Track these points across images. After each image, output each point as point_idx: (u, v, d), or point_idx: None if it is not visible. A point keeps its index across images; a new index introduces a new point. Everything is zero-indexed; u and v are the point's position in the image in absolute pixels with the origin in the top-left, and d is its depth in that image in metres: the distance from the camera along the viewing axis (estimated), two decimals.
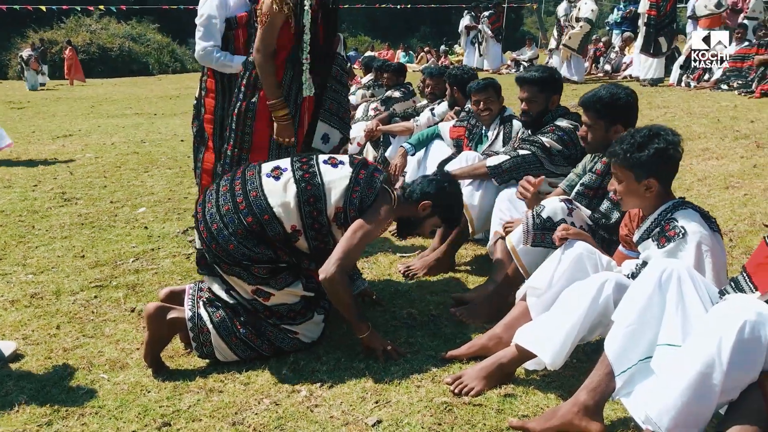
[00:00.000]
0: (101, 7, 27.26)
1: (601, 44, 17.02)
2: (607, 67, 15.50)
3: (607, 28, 18.70)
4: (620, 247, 2.84)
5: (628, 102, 3.09)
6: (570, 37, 13.09)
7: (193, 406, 2.52)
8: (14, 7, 22.78)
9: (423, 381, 2.64)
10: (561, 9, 14.68)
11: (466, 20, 18.66)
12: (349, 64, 4.10)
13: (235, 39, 3.97)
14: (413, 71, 15.20)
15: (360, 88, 8.65)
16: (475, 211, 3.80)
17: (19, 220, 5.18)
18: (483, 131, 4.47)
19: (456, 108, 5.33)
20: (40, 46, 22.79)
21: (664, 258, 2.37)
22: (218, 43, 3.92)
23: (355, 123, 7.52)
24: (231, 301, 2.84)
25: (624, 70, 14.35)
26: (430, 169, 4.71)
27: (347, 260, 2.74)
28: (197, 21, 3.94)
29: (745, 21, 11.94)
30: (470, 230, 3.78)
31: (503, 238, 3.37)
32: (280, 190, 2.77)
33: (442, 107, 5.70)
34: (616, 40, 16.01)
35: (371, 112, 7.16)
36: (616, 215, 2.97)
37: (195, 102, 4.27)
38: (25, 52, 20.80)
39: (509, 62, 18.40)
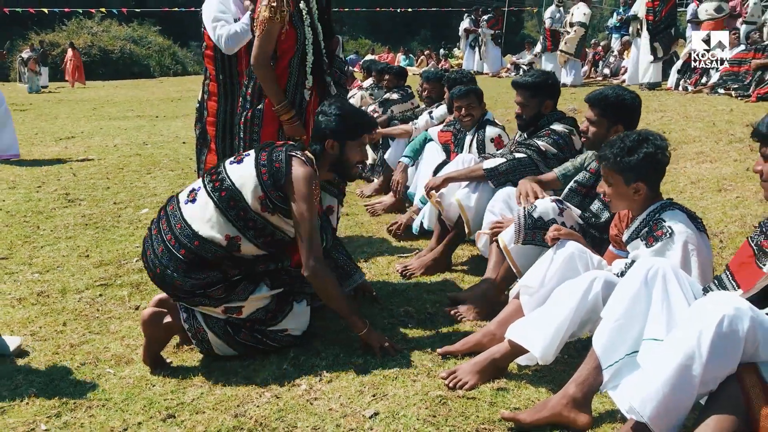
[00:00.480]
0: (102, 9, 27.39)
1: (600, 48, 17.13)
2: (606, 71, 15.60)
3: (607, 32, 18.82)
4: (610, 247, 2.93)
5: (633, 105, 3.18)
6: (566, 42, 13.19)
7: (196, 399, 2.61)
8: (16, 9, 22.87)
9: (419, 376, 2.73)
10: (548, 13, 14.74)
11: (465, 23, 18.78)
12: (348, 67, 4.17)
13: None
14: (413, 74, 15.31)
15: (360, 90, 8.73)
16: (471, 213, 3.88)
17: (24, 220, 5.27)
18: (465, 136, 4.58)
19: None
20: (39, 48, 22.91)
21: (652, 257, 2.46)
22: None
23: None
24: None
25: (623, 74, 14.44)
26: (425, 171, 4.80)
27: (313, 246, 2.80)
28: (210, 22, 4.01)
29: (743, 25, 12.03)
30: (466, 231, 3.87)
31: (493, 239, 3.45)
32: (200, 211, 2.82)
33: (440, 110, 5.79)
34: (615, 44, 16.10)
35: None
36: (606, 215, 3.06)
37: (197, 105, 4.36)
38: (25, 53, 20.94)
39: (509, 66, 18.50)
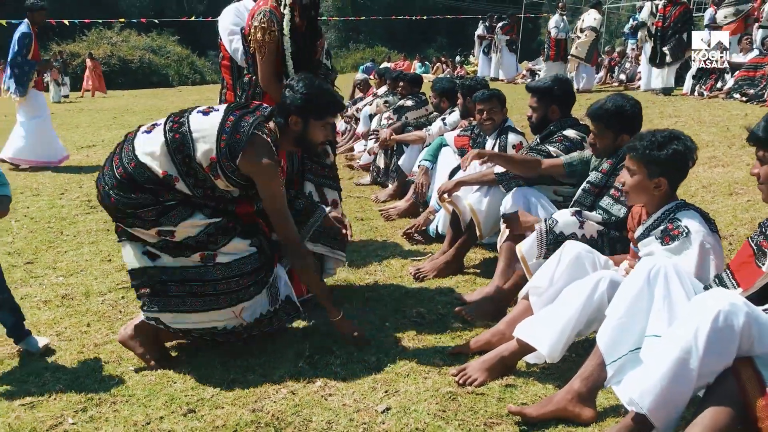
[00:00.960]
0: (122, 20, 27.78)
1: (616, 54, 17.14)
2: (622, 77, 15.60)
3: (623, 38, 18.82)
4: (632, 246, 2.98)
5: (633, 113, 3.24)
6: (577, 47, 13.24)
7: (215, 395, 2.71)
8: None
9: (430, 373, 2.82)
10: (552, 22, 14.77)
11: (479, 30, 18.86)
12: (335, 75, 4.22)
13: None
14: (428, 81, 15.40)
15: (375, 97, 8.84)
16: (482, 216, 3.97)
17: (48, 226, 5.42)
18: (485, 140, 4.65)
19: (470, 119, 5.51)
20: (60, 59, 23.28)
21: (666, 256, 2.53)
22: None
23: (371, 134, 7.73)
24: (150, 264, 2.92)
25: (638, 79, 14.44)
26: (440, 175, 4.89)
27: (286, 229, 2.92)
28: (226, 35, 4.03)
29: (759, 30, 12.02)
30: (478, 234, 3.95)
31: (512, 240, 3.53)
32: (149, 143, 2.82)
33: (453, 116, 5.88)
34: (634, 49, 16.10)
35: (384, 121, 7.35)
36: (616, 208, 3.10)
37: None
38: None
39: (524, 72, 18.54)
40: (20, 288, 3.97)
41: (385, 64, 20.62)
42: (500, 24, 17.41)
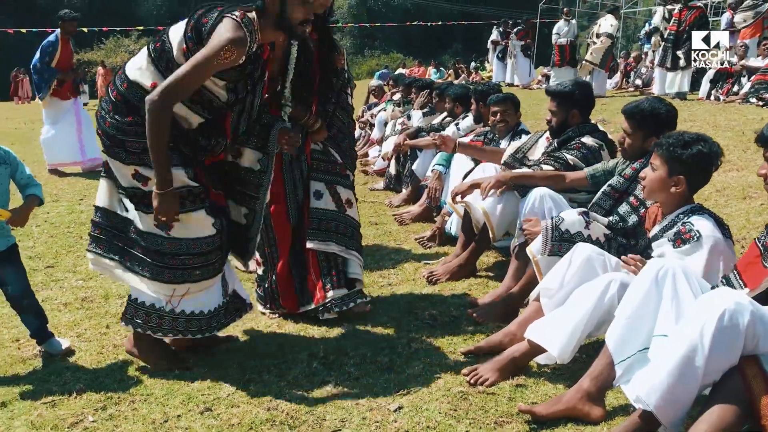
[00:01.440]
0: (139, 27, 28.08)
1: (632, 59, 17.10)
2: (638, 82, 15.56)
3: (639, 42, 18.77)
4: None
5: (668, 117, 3.24)
6: (592, 53, 13.25)
7: (231, 394, 2.77)
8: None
9: (442, 373, 2.87)
10: (555, 28, 14.78)
11: (493, 35, 18.89)
12: (353, 85, 4.19)
13: None
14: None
15: (390, 103, 8.90)
16: (496, 220, 3.99)
17: (67, 231, 5.53)
18: (499, 144, 4.69)
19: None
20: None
21: (677, 257, 2.57)
22: None
23: (386, 139, 7.80)
24: (117, 211, 2.93)
25: (654, 84, 14.41)
26: (454, 180, 4.93)
27: (174, 86, 2.61)
28: None
29: None
30: (491, 237, 3.98)
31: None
32: (136, 60, 2.84)
33: (467, 121, 5.93)
34: (650, 54, 16.06)
35: (398, 127, 7.41)
36: (633, 218, 3.13)
37: None
38: None
39: (540, 77, 18.53)
40: (41, 291, 4.06)
41: (399, 70, 20.71)
42: (515, 29, 17.42)
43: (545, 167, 3.82)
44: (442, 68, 24.36)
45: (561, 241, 3.12)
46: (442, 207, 5.25)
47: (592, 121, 4.03)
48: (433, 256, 4.62)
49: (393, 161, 6.87)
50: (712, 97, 11.34)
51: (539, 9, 25.10)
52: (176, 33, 2.76)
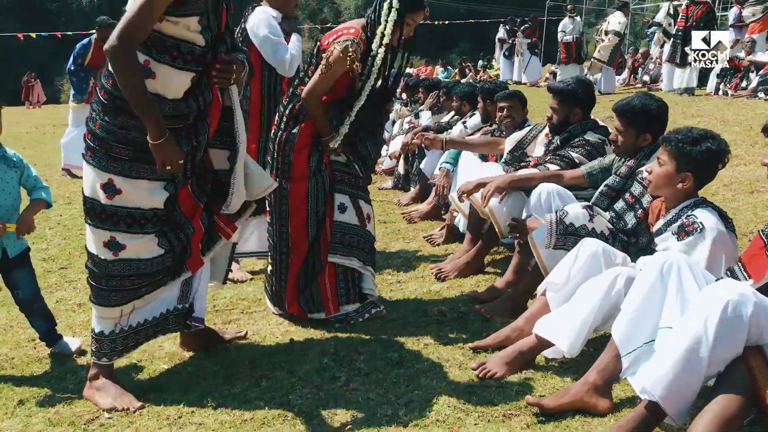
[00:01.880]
0: None
1: (639, 55, 17.07)
2: (646, 78, 15.54)
3: (647, 38, 18.71)
4: None
5: (659, 112, 3.26)
6: (600, 50, 13.25)
7: (244, 390, 2.81)
8: (67, 33, 23.75)
9: (451, 368, 2.91)
10: (561, 26, 14.78)
11: (500, 33, 18.89)
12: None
13: None
14: None
15: (397, 101, 8.93)
16: (502, 217, 4.03)
17: (80, 233, 5.58)
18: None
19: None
20: None
21: (682, 250, 2.60)
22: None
23: (393, 138, 7.84)
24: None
25: (662, 80, 14.38)
26: (461, 178, 4.96)
27: (129, 26, 2.42)
28: (265, 44, 3.96)
29: None
30: (498, 233, 4.02)
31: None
32: None
33: (474, 120, 5.96)
34: (655, 51, 16.03)
35: (406, 126, 7.45)
36: (630, 216, 3.16)
37: None
38: None
39: (547, 75, 18.51)
40: (56, 292, 4.13)
41: (407, 70, 20.65)
42: (522, 27, 17.43)
43: (551, 166, 3.85)
44: (449, 67, 24.34)
45: (566, 235, 3.16)
46: (450, 204, 5.29)
47: (593, 118, 4.05)
48: (442, 254, 4.66)
49: (401, 160, 6.91)
50: (720, 93, 11.33)
51: (546, 6, 25.06)
52: None
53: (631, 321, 2.37)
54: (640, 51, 17.33)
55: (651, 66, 15.81)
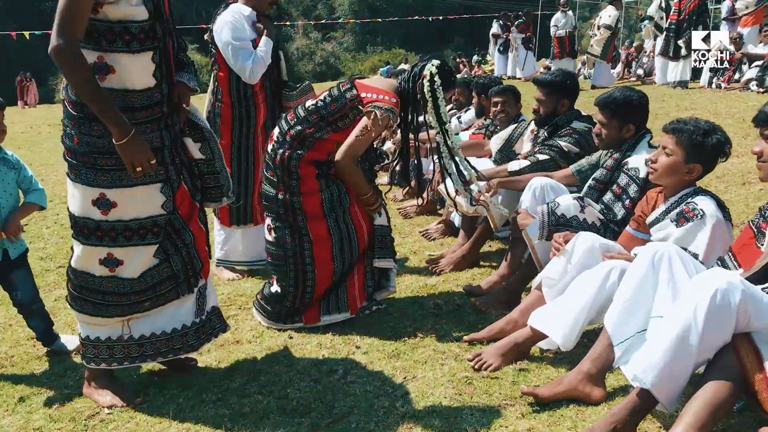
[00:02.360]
0: None
1: (633, 49, 17.10)
2: (640, 72, 15.56)
3: (641, 32, 18.72)
4: (628, 227, 3.06)
5: (640, 104, 3.33)
6: (593, 44, 13.30)
7: (243, 385, 2.85)
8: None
9: (447, 360, 2.94)
10: (553, 20, 14.81)
11: (494, 28, 18.91)
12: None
13: None
14: None
15: None
16: (497, 212, 4.07)
17: None
18: None
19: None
20: None
21: (681, 236, 2.65)
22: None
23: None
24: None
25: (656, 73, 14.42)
26: None
27: (64, 18, 2.31)
28: (227, 49, 3.87)
29: None
30: (492, 227, 4.05)
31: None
32: None
33: (468, 115, 6.00)
34: (648, 44, 16.07)
35: None
36: (618, 207, 3.20)
37: None
38: None
39: (542, 69, 18.51)
40: (54, 290, 4.15)
41: (402, 66, 20.72)
42: (516, 22, 17.44)
43: (540, 156, 3.91)
44: None
45: (558, 226, 3.21)
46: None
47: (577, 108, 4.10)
48: (437, 248, 4.69)
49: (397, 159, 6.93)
50: (713, 85, 11.37)
51: (540, 1, 25.06)
52: None
53: (623, 311, 2.41)
54: (635, 44, 17.34)
55: (645, 59, 15.83)
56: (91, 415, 2.68)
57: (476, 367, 2.82)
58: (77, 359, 3.19)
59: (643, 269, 2.40)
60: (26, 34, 20.67)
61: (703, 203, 2.67)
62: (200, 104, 3.37)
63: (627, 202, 3.18)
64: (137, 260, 2.62)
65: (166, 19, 2.54)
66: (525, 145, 4.39)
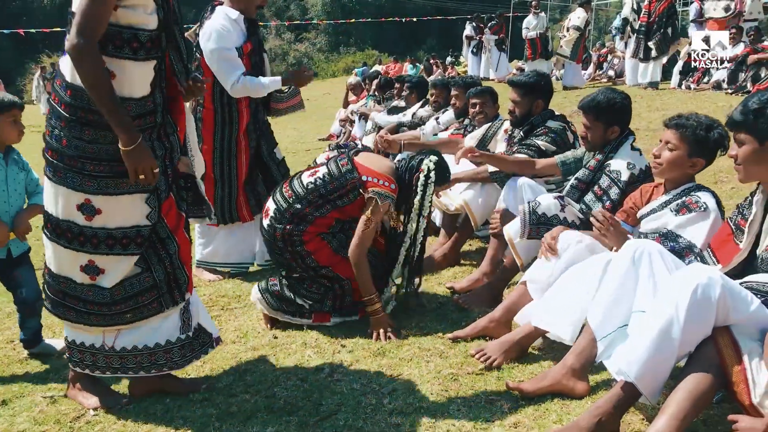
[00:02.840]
0: None
1: (605, 50, 17.31)
2: (611, 73, 15.76)
3: (612, 33, 18.96)
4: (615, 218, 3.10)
5: (624, 105, 3.37)
6: (562, 46, 13.48)
7: (229, 385, 2.86)
8: (31, 30, 23.39)
9: (432, 357, 2.98)
10: (525, 22, 15.01)
11: (467, 30, 19.02)
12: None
13: None
14: None
15: (370, 98, 8.97)
16: (478, 211, 4.13)
17: None
18: None
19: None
20: (52, 71, 23.40)
21: (678, 225, 2.72)
22: (243, 70, 3.92)
23: (367, 135, 7.89)
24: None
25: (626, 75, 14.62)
26: None
27: (85, 20, 2.27)
28: (212, 58, 3.89)
29: (745, 23, 12.19)
30: (473, 225, 4.10)
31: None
32: (66, 57, 2.42)
33: (447, 116, 6.03)
34: (619, 45, 16.28)
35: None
36: (597, 207, 3.26)
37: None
38: (37, 75, 21.58)
39: (515, 71, 18.64)
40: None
41: (376, 67, 20.75)
42: (489, 24, 17.57)
43: (519, 156, 3.95)
44: (418, 64, 24.42)
45: (538, 224, 3.26)
46: None
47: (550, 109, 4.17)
48: None
49: None
50: (683, 86, 11.57)
51: (512, 3, 25.27)
52: None
53: (606, 306, 2.45)
54: (607, 45, 17.56)
55: (615, 61, 16.03)
56: (76, 417, 2.67)
57: (481, 361, 2.84)
58: (61, 361, 3.17)
59: (625, 266, 2.45)
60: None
61: (706, 198, 2.75)
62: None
63: (607, 203, 3.23)
64: (119, 270, 2.57)
65: (172, 30, 2.53)
66: (499, 145, 4.44)
